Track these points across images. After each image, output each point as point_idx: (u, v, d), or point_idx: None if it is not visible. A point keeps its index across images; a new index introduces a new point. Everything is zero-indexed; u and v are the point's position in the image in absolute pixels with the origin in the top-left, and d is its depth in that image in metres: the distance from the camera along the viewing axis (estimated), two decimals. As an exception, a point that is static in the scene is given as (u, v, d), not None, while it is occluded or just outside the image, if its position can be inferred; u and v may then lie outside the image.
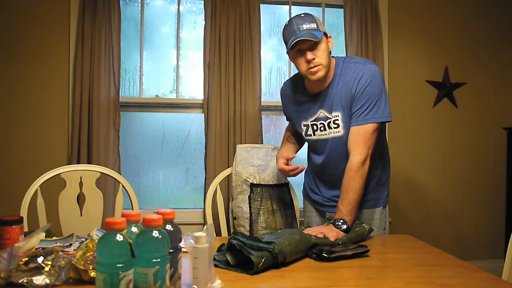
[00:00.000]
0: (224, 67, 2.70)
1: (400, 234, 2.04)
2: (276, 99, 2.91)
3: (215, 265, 1.13)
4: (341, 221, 1.47)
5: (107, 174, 1.94)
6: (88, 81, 2.57)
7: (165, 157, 2.89)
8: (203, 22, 2.74)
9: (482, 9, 3.12)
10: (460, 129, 3.11)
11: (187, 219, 2.79)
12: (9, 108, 2.64)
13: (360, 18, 2.83)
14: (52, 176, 1.82)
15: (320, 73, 1.57)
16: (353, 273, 1.14)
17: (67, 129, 2.67)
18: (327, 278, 1.09)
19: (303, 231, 1.36)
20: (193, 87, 2.91)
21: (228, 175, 2.16)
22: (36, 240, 1.27)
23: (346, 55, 2.88)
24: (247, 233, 1.93)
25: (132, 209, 1.89)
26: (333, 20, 3.07)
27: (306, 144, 1.87)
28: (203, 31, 2.74)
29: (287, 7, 2.99)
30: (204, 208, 2.73)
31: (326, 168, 1.72)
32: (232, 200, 2.05)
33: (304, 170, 1.78)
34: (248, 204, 1.95)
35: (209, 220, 2.04)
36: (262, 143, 2.76)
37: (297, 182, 2.10)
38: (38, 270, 0.97)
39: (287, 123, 1.97)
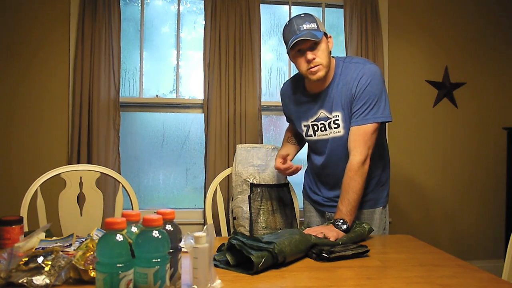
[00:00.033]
0: (224, 67, 2.70)
1: (400, 234, 2.04)
2: (276, 99, 2.91)
3: (215, 265, 1.13)
4: (341, 221, 1.47)
5: (107, 174, 1.94)
6: (88, 81, 2.57)
7: (165, 157, 2.89)
8: (203, 22, 2.74)
9: (482, 9, 3.12)
10: (460, 129, 3.11)
11: (187, 219, 2.79)
12: (9, 108, 2.64)
13: (360, 18, 2.83)
14: (52, 176, 1.82)
15: (320, 73, 1.57)
16: (353, 273, 1.14)
17: (67, 129, 2.67)
18: (327, 278, 1.10)
19: (303, 231, 1.36)
20: (193, 87, 2.91)
21: (228, 175, 2.16)
22: (36, 240, 1.27)
23: (346, 55, 2.88)
24: (247, 233, 1.92)
25: (132, 209, 1.89)
26: (333, 20, 3.07)
27: (306, 144, 1.87)
28: (203, 31, 2.74)
29: (287, 7, 2.99)
30: (204, 208, 2.73)
31: (326, 168, 1.72)
32: (232, 200, 2.05)
33: (304, 170, 1.78)
34: (248, 204, 1.95)
35: (209, 220, 2.04)
36: (262, 143, 2.76)
37: (297, 182, 2.10)
38: (38, 270, 0.97)
39: (287, 123, 1.97)
